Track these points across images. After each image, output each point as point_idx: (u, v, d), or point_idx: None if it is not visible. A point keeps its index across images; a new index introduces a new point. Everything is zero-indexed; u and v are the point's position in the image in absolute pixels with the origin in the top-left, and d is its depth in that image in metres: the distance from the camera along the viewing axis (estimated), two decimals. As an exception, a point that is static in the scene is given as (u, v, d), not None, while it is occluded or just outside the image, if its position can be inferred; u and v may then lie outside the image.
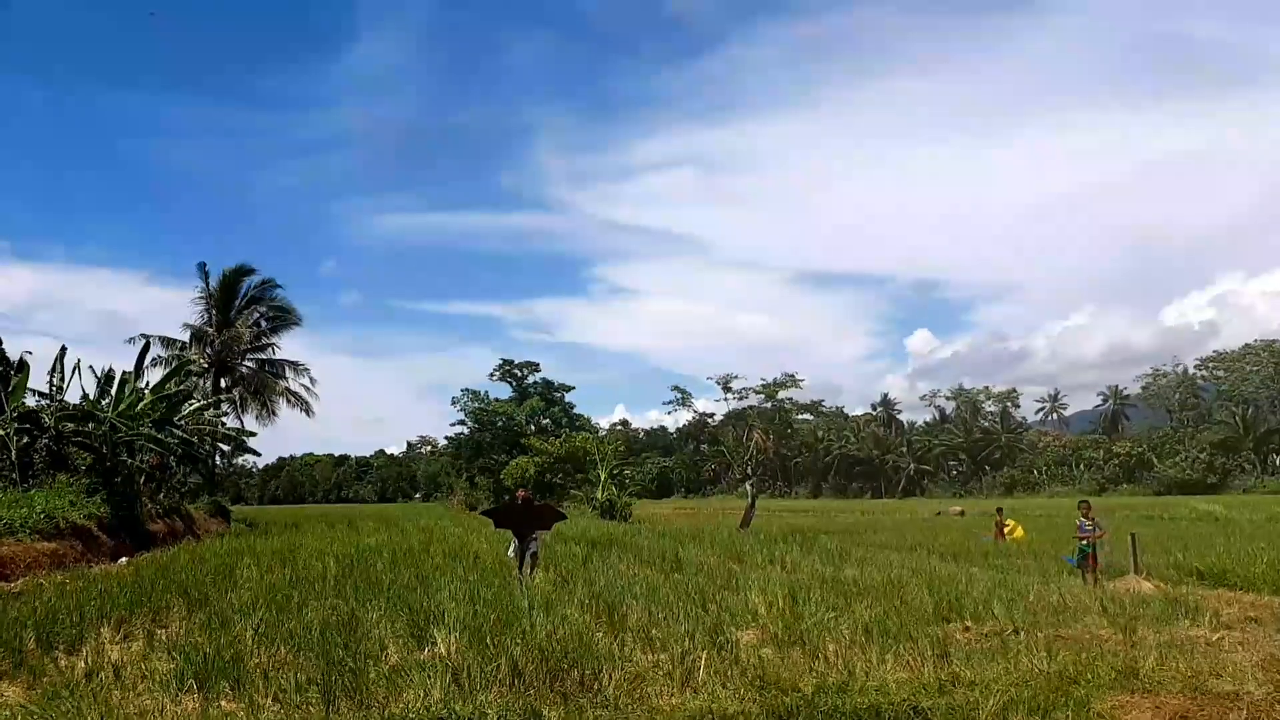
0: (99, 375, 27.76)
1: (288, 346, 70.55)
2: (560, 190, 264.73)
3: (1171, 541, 21.77)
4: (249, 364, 47.76)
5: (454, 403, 71.06)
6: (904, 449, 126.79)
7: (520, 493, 14.28)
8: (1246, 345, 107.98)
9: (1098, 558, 15.34)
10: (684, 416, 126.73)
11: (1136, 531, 17.62)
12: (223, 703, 6.47)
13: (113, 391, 27.41)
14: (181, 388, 33.46)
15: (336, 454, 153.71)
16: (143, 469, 28.01)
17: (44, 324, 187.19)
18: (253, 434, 43.87)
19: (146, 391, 29.45)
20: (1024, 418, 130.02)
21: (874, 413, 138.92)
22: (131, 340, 41.27)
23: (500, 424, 67.54)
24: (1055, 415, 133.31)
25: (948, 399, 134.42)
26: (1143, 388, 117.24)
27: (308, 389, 48.98)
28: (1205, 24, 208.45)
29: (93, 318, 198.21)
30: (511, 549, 12.95)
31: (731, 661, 7.34)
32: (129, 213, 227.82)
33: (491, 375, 73.52)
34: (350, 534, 23.00)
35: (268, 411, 47.65)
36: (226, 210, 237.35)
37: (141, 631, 9.06)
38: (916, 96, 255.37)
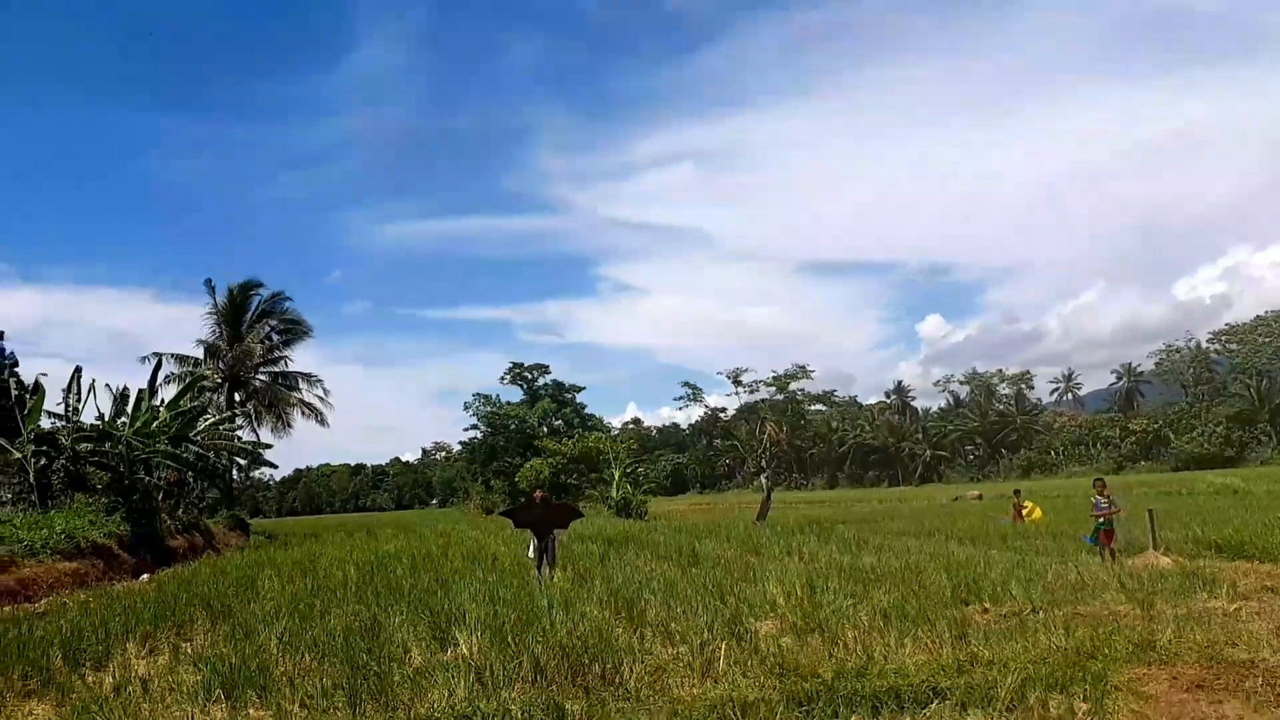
0: (114, 394, 28.01)
1: (299, 358, 71.32)
2: (562, 190, 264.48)
3: (1190, 516, 21.73)
4: (262, 377, 48.15)
5: (466, 408, 71.80)
6: (919, 436, 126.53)
7: (537, 493, 14.46)
8: (1258, 317, 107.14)
9: (1115, 534, 15.35)
10: (696, 412, 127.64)
11: (1154, 508, 17.64)
12: (250, 711, 6.56)
13: (128, 410, 27.66)
14: (196, 403, 33.76)
15: (352, 464, 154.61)
16: (160, 486, 28.24)
17: (54, 346, 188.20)
18: (268, 446, 44.21)
19: (161, 409, 29.69)
20: (1039, 399, 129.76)
21: (888, 400, 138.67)
22: (145, 359, 41.77)
23: (513, 427, 67.93)
24: (1070, 395, 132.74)
25: (961, 383, 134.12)
26: (1156, 364, 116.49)
27: (321, 399, 49.40)
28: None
29: (102, 337, 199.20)
30: (532, 549, 13.05)
31: (751, 651, 7.37)
32: (133, 230, 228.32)
33: (502, 379, 74.22)
34: (369, 542, 23.11)
35: (283, 424, 48.08)
36: (231, 224, 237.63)
37: (167, 645, 9.14)
38: (917, 80, 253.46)
